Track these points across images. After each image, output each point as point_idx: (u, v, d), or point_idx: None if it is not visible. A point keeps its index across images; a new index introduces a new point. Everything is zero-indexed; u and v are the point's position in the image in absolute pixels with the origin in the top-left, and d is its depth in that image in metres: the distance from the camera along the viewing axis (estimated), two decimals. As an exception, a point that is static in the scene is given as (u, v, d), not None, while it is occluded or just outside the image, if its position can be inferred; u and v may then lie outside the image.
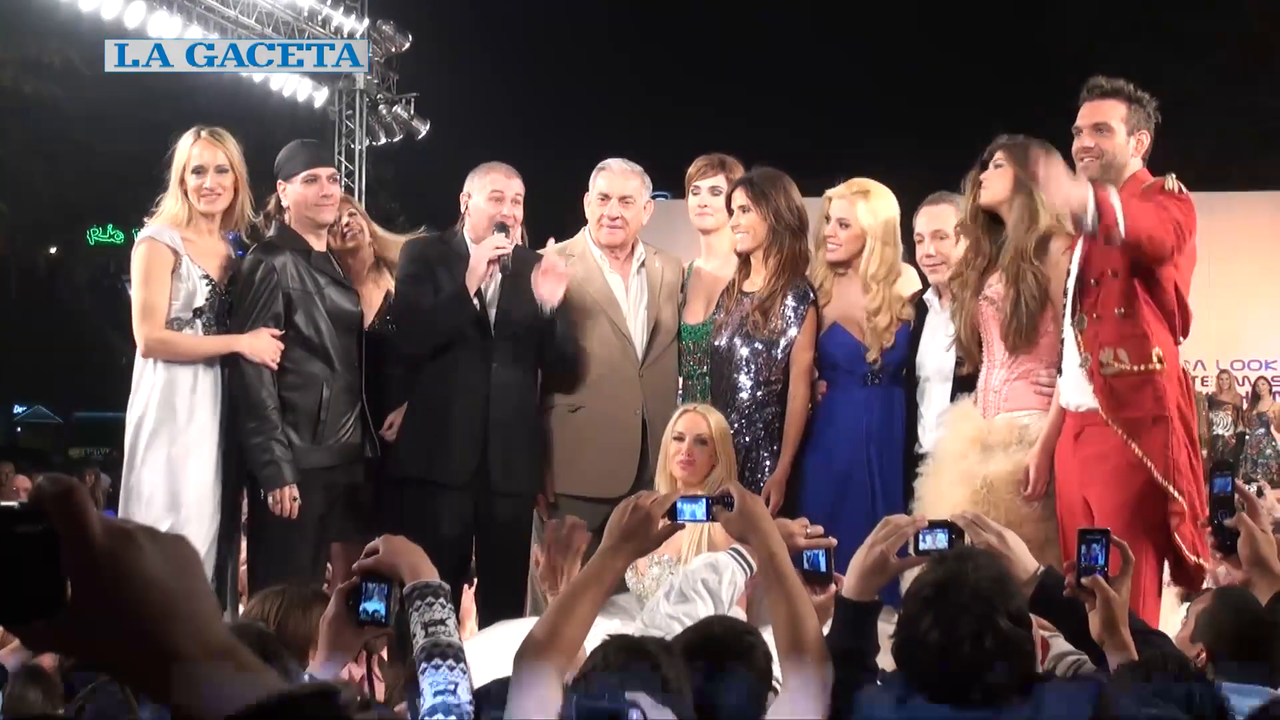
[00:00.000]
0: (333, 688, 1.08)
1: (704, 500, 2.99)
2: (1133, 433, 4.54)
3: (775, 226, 5.43)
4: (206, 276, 5.19)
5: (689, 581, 3.99)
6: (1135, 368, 4.56)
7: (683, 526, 3.11)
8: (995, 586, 2.78)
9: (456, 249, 5.51)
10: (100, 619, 1.04)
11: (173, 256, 5.14)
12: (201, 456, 5.12)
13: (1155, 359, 4.57)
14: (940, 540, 3.35)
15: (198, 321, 5.17)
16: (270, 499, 5.06)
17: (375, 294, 5.79)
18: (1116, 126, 4.69)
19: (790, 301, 5.43)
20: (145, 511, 5.00)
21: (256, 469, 5.12)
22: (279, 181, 5.42)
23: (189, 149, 5.23)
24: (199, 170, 5.22)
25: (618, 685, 2.43)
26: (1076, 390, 4.73)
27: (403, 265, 5.54)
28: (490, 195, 5.51)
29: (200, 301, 5.17)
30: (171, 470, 5.09)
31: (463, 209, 5.60)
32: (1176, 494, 4.49)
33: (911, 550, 3.18)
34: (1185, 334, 4.70)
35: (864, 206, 5.46)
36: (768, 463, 5.42)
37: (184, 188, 5.22)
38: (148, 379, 5.16)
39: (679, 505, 2.96)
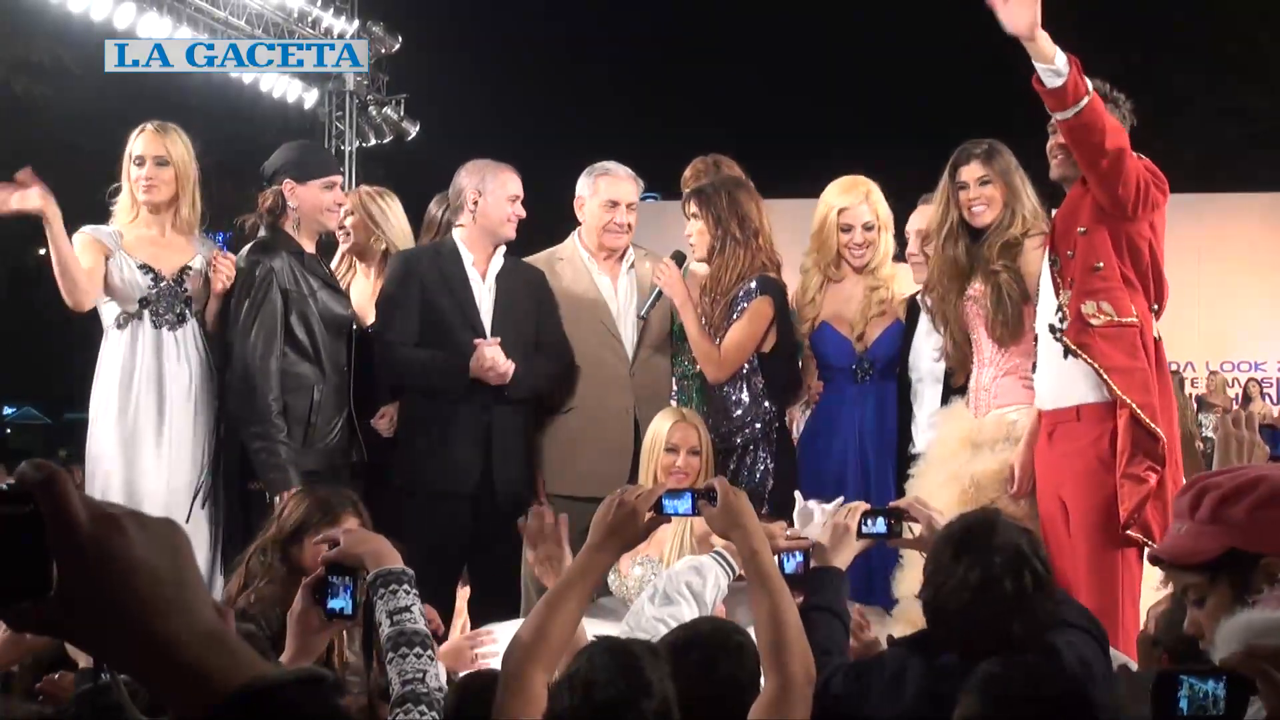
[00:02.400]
0: (321, 674, 1.08)
1: (689, 494, 3.01)
2: (1119, 379, 4.54)
3: (717, 234, 5.46)
4: (146, 267, 5.16)
5: (672, 584, 3.99)
6: (1121, 319, 4.57)
7: (669, 520, 3.13)
8: (1023, 534, 2.96)
9: (448, 256, 5.51)
10: (86, 602, 1.03)
11: (105, 247, 5.14)
12: (146, 452, 5.11)
13: (1133, 313, 4.60)
14: (879, 526, 3.50)
15: (145, 313, 5.16)
16: (277, 501, 5.01)
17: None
18: None
19: (750, 285, 5.43)
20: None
21: (262, 473, 5.10)
22: (287, 181, 5.32)
23: (133, 139, 5.23)
24: (139, 161, 5.21)
25: (603, 688, 2.43)
26: (1048, 389, 4.75)
27: (386, 281, 5.54)
28: (509, 197, 5.53)
29: (143, 293, 5.16)
30: (115, 465, 5.10)
31: (467, 206, 5.54)
32: (1159, 431, 4.49)
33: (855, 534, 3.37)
34: (1159, 304, 4.70)
35: (876, 202, 5.54)
36: (761, 466, 5.43)
37: (126, 178, 5.22)
38: (101, 375, 5.20)
39: (664, 500, 2.97)
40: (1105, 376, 4.51)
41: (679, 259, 5.56)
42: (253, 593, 3.72)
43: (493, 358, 5.32)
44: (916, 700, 2.82)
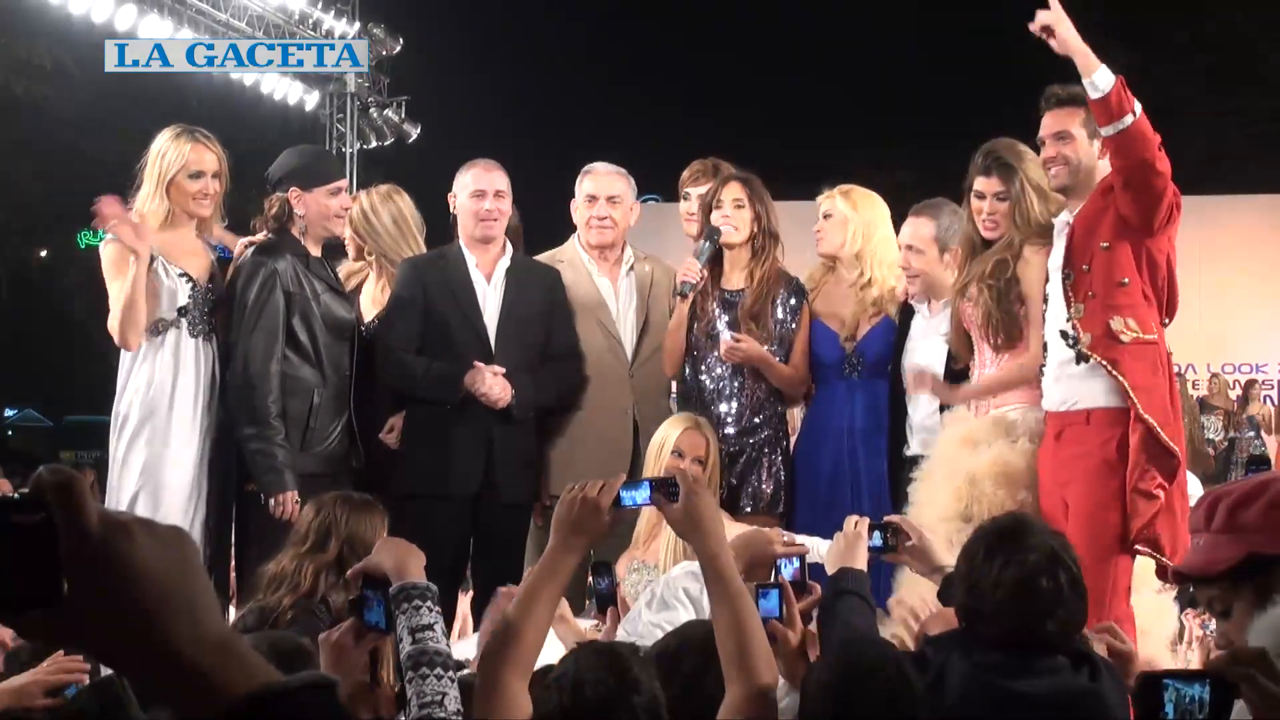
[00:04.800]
0: (330, 679, 1.08)
1: (646, 484, 2.90)
2: (1142, 396, 4.55)
3: (764, 228, 5.49)
4: (186, 275, 5.15)
5: (670, 589, 3.99)
6: (1144, 336, 4.60)
7: (631, 511, 3.09)
8: (1055, 535, 3.00)
9: (454, 263, 5.52)
10: (95, 611, 1.03)
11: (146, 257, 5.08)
12: (181, 460, 5.08)
13: (1154, 330, 4.64)
14: (875, 539, 3.54)
15: (183, 321, 5.13)
16: (271, 503, 5.01)
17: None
18: (1077, 133, 4.73)
19: (791, 300, 5.49)
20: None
21: (257, 474, 5.07)
22: (293, 188, 5.29)
23: (187, 151, 5.15)
24: (198, 174, 5.16)
25: (593, 686, 2.43)
26: (1057, 392, 4.76)
27: (394, 288, 5.53)
28: (472, 193, 5.53)
29: (183, 300, 5.13)
30: (150, 472, 5.05)
31: (451, 209, 5.62)
32: (1176, 449, 4.53)
33: None
34: (1170, 316, 4.74)
35: (849, 200, 5.58)
36: (773, 471, 5.45)
37: (170, 188, 5.14)
38: (131, 381, 5.12)
39: (620, 492, 2.86)
40: (1132, 395, 4.53)
41: (714, 235, 5.50)
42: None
43: (489, 386, 5.32)
44: (961, 698, 2.83)
